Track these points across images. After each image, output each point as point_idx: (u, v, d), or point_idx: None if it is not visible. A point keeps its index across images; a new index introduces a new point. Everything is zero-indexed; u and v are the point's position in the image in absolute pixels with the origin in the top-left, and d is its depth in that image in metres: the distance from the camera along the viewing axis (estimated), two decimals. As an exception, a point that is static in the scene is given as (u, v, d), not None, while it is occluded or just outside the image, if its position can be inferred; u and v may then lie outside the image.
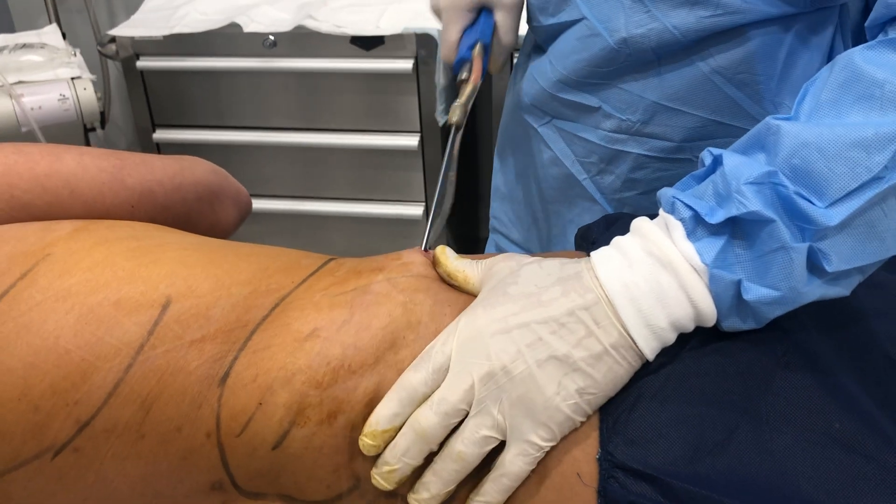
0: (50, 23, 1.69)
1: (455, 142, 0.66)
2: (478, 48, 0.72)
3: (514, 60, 0.86)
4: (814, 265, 0.45)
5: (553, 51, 0.73)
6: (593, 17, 0.68)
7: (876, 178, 0.43)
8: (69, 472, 0.45)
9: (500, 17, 0.74)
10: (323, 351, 0.47)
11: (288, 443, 0.47)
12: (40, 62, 1.44)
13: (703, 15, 0.62)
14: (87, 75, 1.42)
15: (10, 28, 1.93)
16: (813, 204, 0.44)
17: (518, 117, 0.81)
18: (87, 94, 1.39)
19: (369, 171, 1.58)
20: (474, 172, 1.74)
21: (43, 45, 1.48)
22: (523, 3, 0.76)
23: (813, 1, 0.60)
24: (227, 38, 1.47)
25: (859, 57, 0.45)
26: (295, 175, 1.62)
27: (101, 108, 1.44)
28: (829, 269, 0.44)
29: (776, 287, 0.45)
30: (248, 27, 1.45)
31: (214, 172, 0.62)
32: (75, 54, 1.47)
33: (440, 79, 1.43)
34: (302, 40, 1.45)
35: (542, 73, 0.75)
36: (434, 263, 0.53)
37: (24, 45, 1.47)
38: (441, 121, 1.46)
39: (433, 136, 1.51)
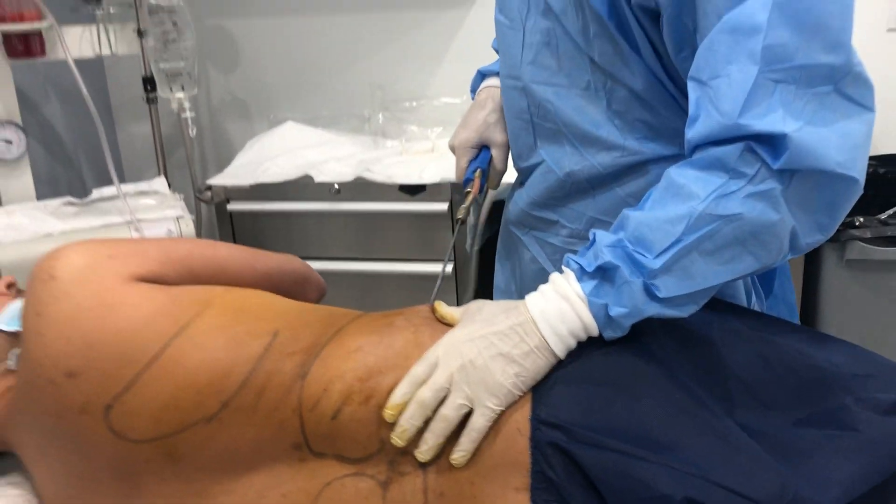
0: (158, 175, 2.08)
1: (455, 231, 0.97)
2: (478, 172, 1.06)
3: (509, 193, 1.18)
4: (652, 294, 0.73)
5: (527, 183, 1.04)
6: (549, 160, 0.99)
7: (677, 240, 0.72)
8: (213, 435, 0.73)
9: (495, 152, 1.10)
10: (363, 359, 0.76)
11: (340, 416, 0.74)
12: (153, 205, 1.81)
13: (616, 156, 0.93)
14: (188, 215, 1.78)
15: (121, 176, 2.34)
16: (645, 257, 0.73)
17: (508, 230, 1.12)
18: (188, 229, 1.74)
19: (414, 293, 1.88)
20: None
21: (156, 192, 1.86)
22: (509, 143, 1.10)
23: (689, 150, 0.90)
24: (301, 187, 1.83)
25: (673, 171, 0.76)
26: (353, 296, 1.93)
27: (198, 241, 1.79)
28: (660, 296, 0.73)
29: (625, 306, 0.73)
30: (318, 178, 1.81)
31: (305, 266, 0.95)
32: (180, 199, 1.84)
33: (470, 218, 1.76)
34: (361, 188, 1.80)
35: (521, 199, 1.06)
36: (433, 311, 0.82)
37: (142, 192, 1.86)
38: (469, 250, 1.78)
39: (464, 263, 1.82)
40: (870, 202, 1.74)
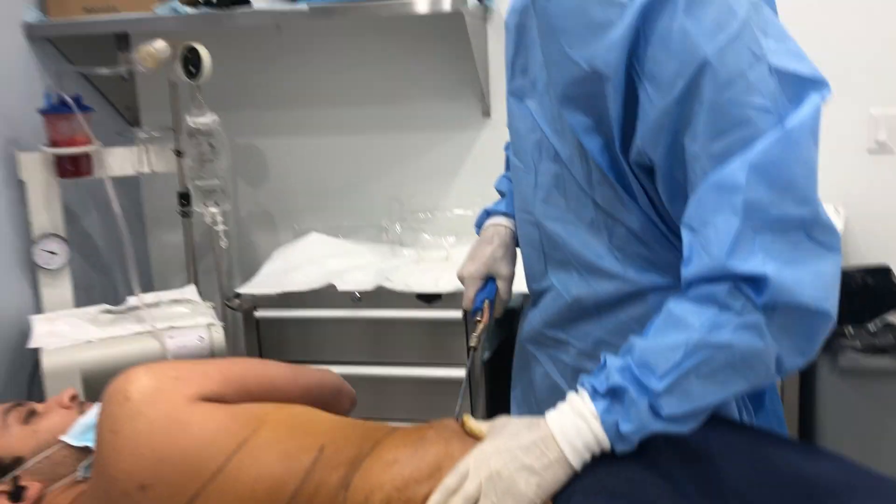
0: (189, 283, 2.20)
1: (473, 359, 1.08)
2: (486, 304, 1.18)
3: (522, 311, 1.29)
4: (657, 413, 0.84)
5: (539, 304, 1.16)
6: (559, 286, 1.11)
7: (677, 365, 0.84)
8: None
9: (501, 284, 1.22)
10: (400, 471, 0.86)
11: None
12: (186, 313, 1.92)
13: (618, 285, 1.05)
14: (218, 323, 1.89)
15: (151, 284, 2.47)
16: (650, 379, 0.84)
17: (523, 345, 1.23)
18: (218, 336, 1.85)
19: (429, 397, 1.96)
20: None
21: (188, 301, 1.98)
22: (514, 276, 1.22)
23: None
24: (324, 295, 1.95)
25: (671, 303, 0.88)
26: (369, 401, 2.01)
27: (224, 348, 1.90)
28: (663, 414, 0.83)
29: (634, 423, 0.84)
30: (341, 287, 1.93)
31: (339, 379, 1.06)
32: (211, 307, 1.96)
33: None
34: (380, 296, 1.92)
35: (534, 318, 1.17)
36: (462, 425, 0.92)
37: (175, 300, 1.98)
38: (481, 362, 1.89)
39: (477, 372, 1.92)
40: (859, 312, 1.84)
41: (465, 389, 1.12)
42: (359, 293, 1.92)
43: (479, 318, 1.19)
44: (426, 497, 0.84)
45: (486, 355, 1.93)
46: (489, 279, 1.22)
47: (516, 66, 1.12)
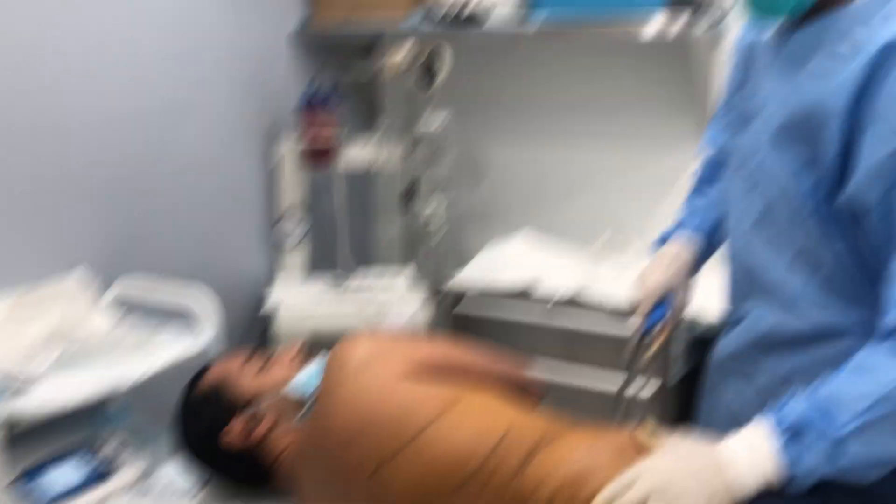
0: (405, 267, 2.39)
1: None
2: (660, 327, 1.22)
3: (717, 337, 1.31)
4: (835, 459, 0.86)
5: (733, 333, 1.18)
6: (756, 315, 1.13)
7: (863, 413, 0.86)
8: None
9: (675, 307, 1.24)
10: (572, 466, 0.95)
11: None
12: (398, 296, 2.11)
13: (816, 321, 1.05)
14: (423, 309, 2.05)
15: (372, 264, 2.69)
16: (832, 425, 0.85)
17: (711, 372, 1.25)
18: (420, 321, 2.02)
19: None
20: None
21: (401, 286, 2.16)
22: (688, 301, 1.24)
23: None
24: (523, 298, 2.04)
25: (864, 352, 0.91)
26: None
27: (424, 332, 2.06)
28: (841, 461, 0.86)
29: (809, 466, 0.87)
30: (539, 292, 2.01)
31: (528, 374, 1.17)
32: (420, 294, 2.13)
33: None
34: (577, 305, 1.98)
35: (727, 346, 1.20)
36: (638, 435, 0.99)
37: (391, 284, 2.17)
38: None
39: (662, 393, 1.93)
40: None
41: (626, 406, 1.16)
42: (555, 300, 1.99)
43: (649, 340, 1.21)
44: (590, 497, 0.91)
45: (679, 376, 1.94)
46: (664, 299, 1.25)
47: (739, 94, 1.15)
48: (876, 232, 0.95)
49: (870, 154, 0.92)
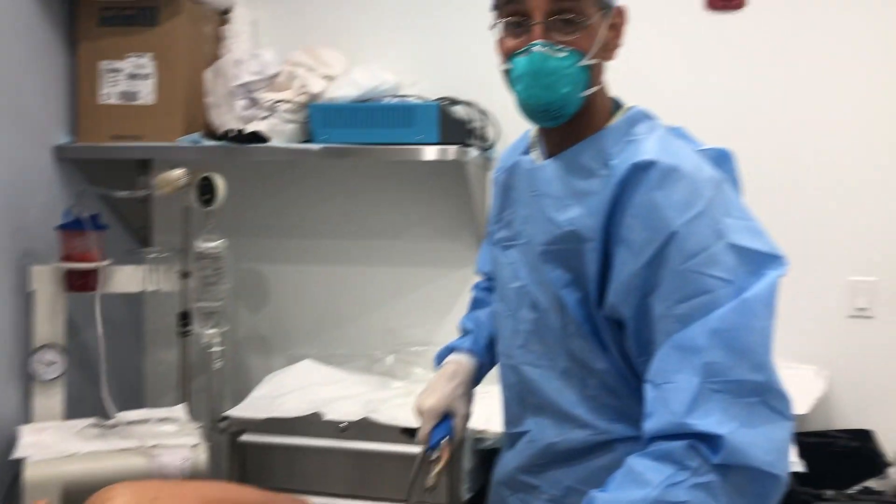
0: (180, 402, 2.22)
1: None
2: (445, 442, 1.21)
3: (499, 453, 1.31)
4: None
5: (514, 448, 1.19)
6: (534, 431, 1.14)
7: None
8: None
9: (457, 422, 1.25)
10: None
11: None
12: (173, 431, 1.94)
13: (589, 433, 1.08)
14: (204, 443, 1.90)
15: (143, 400, 2.49)
16: None
17: (496, 488, 1.25)
18: (201, 458, 1.86)
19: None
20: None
21: (176, 419, 2.00)
22: (470, 416, 1.25)
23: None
24: (310, 423, 1.96)
25: (632, 459, 0.92)
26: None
27: (207, 469, 1.90)
28: None
29: None
30: (328, 416, 1.95)
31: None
32: (198, 427, 1.98)
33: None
34: (365, 427, 1.93)
35: (509, 462, 1.20)
36: None
37: (163, 419, 2.00)
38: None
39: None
40: (841, 476, 1.85)
41: None
42: (344, 424, 1.93)
43: (433, 458, 1.20)
44: None
45: (468, 496, 1.93)
46: (446, 416, 1.25)
47: (502, 218, 1.20)
48: (634, 342, 1.01)
49: (621, 270, 0.99)
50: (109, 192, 2.12)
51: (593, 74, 1.05)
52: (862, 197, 2.08)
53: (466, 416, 1.26)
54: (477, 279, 1.43)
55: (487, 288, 1.39)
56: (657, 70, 2.14)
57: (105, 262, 2.00)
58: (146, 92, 2.15)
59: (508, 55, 1.05)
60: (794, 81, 2.11)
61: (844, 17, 2.07)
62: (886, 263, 2.07)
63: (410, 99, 2.15)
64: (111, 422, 1.95)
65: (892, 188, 2.06)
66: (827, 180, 2.09)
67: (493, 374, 1.32)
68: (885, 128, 2.06)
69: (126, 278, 2.08)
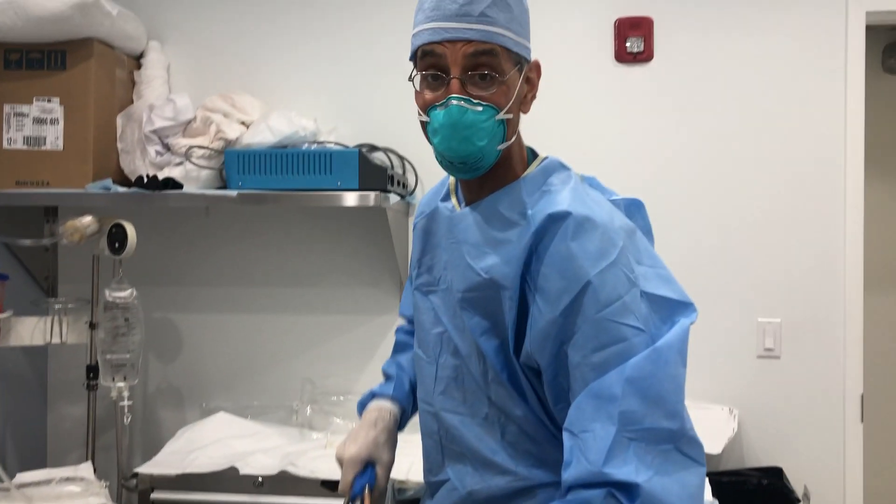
0: (85, 459, 2.12)
1: None
2: (367, 490, 1.17)
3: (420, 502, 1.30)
4: None
5: (436, 497, 1.17)
6: (454, 478, 1.13)
7: None
8: None
9: (380, 471, 1.21)
10: None
11: None
12: (78, 492, 1.84)
13: (510, 480, 1.08)
14: (111, 503, 1.82)
15: (46, 459, 2.36)
16: None
17: None
18: (109, 518, 1.78)
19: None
20: None
21: (81, 479, 1.90)
22: (393, 463, 1.23)
23: None
24: (226, 478, 1.90)
25: None
26: None
27: (116, 531, 1.81)
28: None
29: None
30: (244, 470, 1.89)
31: None
32: (105, 486, 1.88)
33: None
34: (284, 481, 1.88)
35: None
36: None
37: (67, 478, 1.90)
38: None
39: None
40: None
41: None
42: (261, 478, 1.88)
43: None
44: None
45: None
46: (368, 464, 1.22)
47: (422, 263, 1.20)
48: (551, 390, 1.02)
49: (538, 319, 1.00)
50: (13, 240, 2.02)
51: (510, 127, 1.06)
52: (767, 239, 2.17)
53: (389, 464, 1.24)
54: (400, 322, 1.42)
55: (410, 332, 1.38)
56: (571, 120, 2.20)
57: (5, 314, 1.90)
58: (53, 137, 2.09)
59: (426, 108, 1.06)
60: (700, 129, 2.20)
61: (743, 70, 2.18)
62: (789, 304, 2.15)
63: (329, 145, 2.14)
64: (10, 483, 1.83)
65: (793, 231, 2.16)
66: (734, 224, 2.18)
67: (416, 421, 1.30)
68: (789, 175, 2.16)
69: (29, 330, 1.99)
